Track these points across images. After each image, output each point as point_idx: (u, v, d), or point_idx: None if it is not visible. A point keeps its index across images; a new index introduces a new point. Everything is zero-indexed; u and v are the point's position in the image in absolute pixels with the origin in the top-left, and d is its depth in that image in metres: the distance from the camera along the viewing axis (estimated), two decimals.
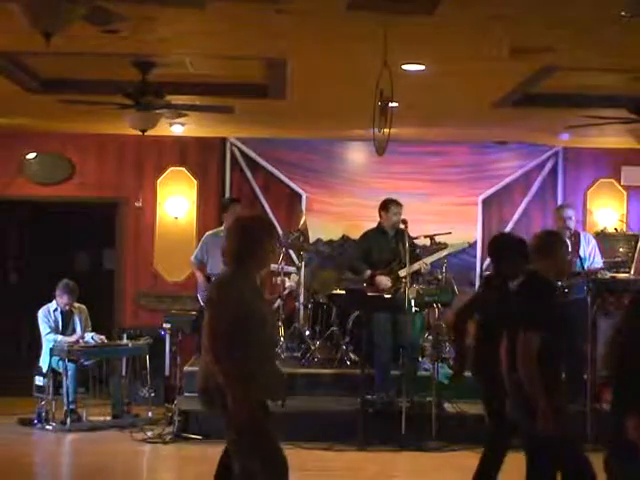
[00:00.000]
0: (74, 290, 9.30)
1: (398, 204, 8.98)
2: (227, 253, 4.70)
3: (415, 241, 9.47)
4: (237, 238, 4.69)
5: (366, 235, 9.16)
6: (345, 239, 11.34)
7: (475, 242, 11.40)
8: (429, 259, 9.11)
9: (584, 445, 5.37)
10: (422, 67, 7.25)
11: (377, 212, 9.05)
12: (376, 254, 8.88)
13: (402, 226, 8.76)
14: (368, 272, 8.79)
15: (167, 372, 9.50)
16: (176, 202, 11.34)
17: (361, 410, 8.31)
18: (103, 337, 9.44)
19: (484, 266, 11.41)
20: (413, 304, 9.03)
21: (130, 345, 9.38)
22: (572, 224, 9.74)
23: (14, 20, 5.11)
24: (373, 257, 8.86)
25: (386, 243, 8.87)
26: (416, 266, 8.82)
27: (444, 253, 9.40)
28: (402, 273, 8.71)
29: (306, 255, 10.52)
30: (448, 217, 11.18)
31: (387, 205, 9.00)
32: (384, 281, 8.77)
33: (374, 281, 8.76)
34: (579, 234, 9.89)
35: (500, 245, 6.18)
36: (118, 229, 11.45)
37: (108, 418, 9.12)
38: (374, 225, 9.31)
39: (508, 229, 11.42)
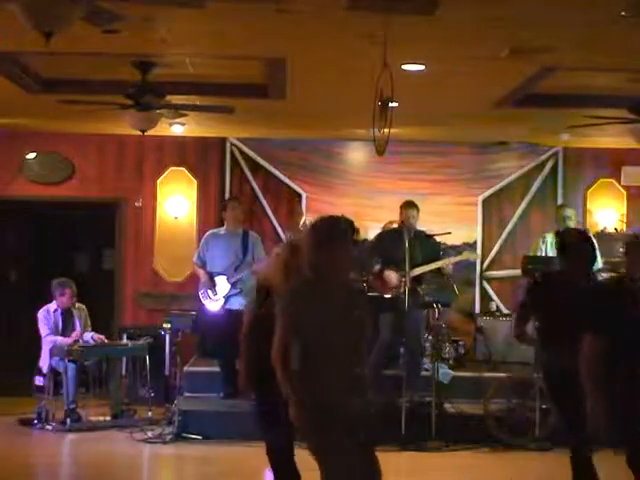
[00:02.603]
0: (71, 285, 9.29)
1: (411, 207, 8.93)
2: (304, 261, 4.58)
3: None
4: (307, 244, 4.56)
5: (382, 235, 9.25)
6: None
7: (475, 242, 11.42)
8: (453, 260, 9.11)
9: None
10: (422, 67, 7.25)
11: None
12: (389, 255, 8.86)
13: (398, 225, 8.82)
14: (378, 267, 8.79)
15: (167, 372, 9.50)
16: (176, 202, 11.33)
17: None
18: (103, 337, 9.44)
19: (484, 266, 11.42)
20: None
21: (130, 345, 9.38)
22: (571, 224, 9.75)
23: (14, 20, 5.10)
24: (387, 257, 8.84)
25: (402, 244, 8.87)
26: (439, 264, 8.85)
27: (462, 258, 9.42)
28: (413, 273, 8.72)
29: None
30: (448, 217, 11.17)
31: (400, 207, 9.03)
32: (393, 278, 8.75)
33: (382, 275, 8.76)
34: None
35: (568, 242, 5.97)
36: (118, 229, 11.45)
37: (108, 418, 9.12)
38: (374, 225, 9.33)
39: (508, 229, 11.44)
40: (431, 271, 8.91)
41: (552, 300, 5.64)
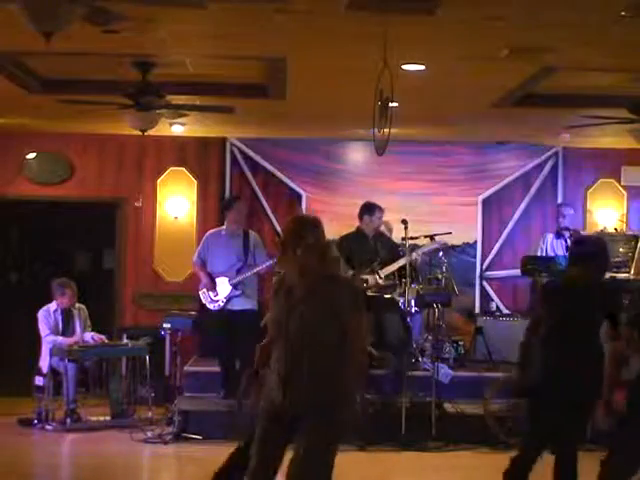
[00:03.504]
0: (71, 285, 9.29)
1: (381, 209, 9.09)
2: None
3: (416, 241, 9.54)
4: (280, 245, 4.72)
5: (346, 239, 9.23)
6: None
7: (475, 242, 11.42)
8: (421, 250, 9.16)
9: None
10: (422, 67, 7.26)
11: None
12: (357, 258, 8.93)
13: (385, 229, 8.84)
14: (349, 273, 8.85)
15: (167, 372, 9.49)
16: (176, 202, 11.33)
17: (361, 410, 8.30)
18: (103, 337, 9.44)
19: (484, 266, 11.42)
20: (413, 304, 9.08)
21: (130, 345, 9.37)
22: (566, 222, 9.75)
23: (14, 20, 5.10)
24: (354, 261, 8.92)
25: (367, 246, 8.90)
26: (403, 261, 8.87)
27: (433, 247, 9.44)
28: (383, 273, 8.77)
29: None
30: (448, 217, 11.18)
31: (372, 209, 9.06)
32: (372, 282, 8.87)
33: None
34: (580, 234, 9.91)
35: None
36: (118, 229, 11.45)
37: (108, 418, 9.12)
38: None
39: (508, 229, 11.44)
40: (401, 268, 8.96)
41: (564, 306, 5.65)
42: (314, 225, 4.60)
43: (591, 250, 5.79)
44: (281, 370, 4.43)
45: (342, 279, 4.80)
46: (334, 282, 4.57)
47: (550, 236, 9.99)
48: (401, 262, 8.92)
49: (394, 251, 9.12)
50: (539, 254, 9.92)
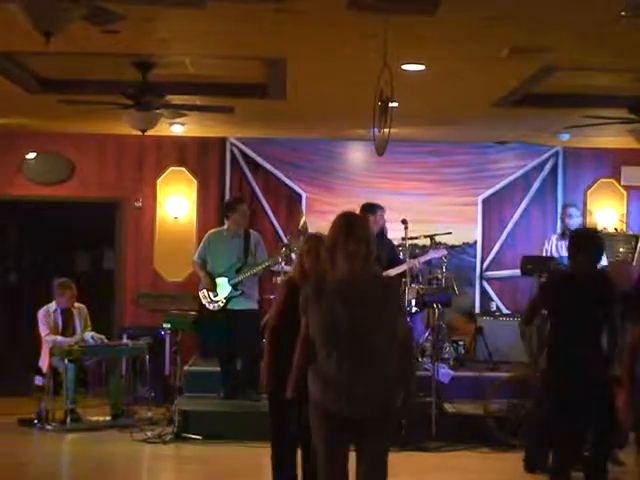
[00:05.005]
0: (71, 285, 9.29)
1: (383, 208, 9.09)
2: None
3: (415, 241, 9.53)
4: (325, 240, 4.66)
5: None
6: None
7: (475, 242, 11.43)
8: (422, 258, 9.16)
9: None
10: (422, 67, 7.26)
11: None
12: None
13: (385, 228, 8.83)
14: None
15: (167, 372, 9.49)
16: (176, 202, 11.34)
17: None
18: (103, 337, 9.44)
19: (484, 266, 11.42)
20: (413, 304, 9.08)
21: (130, 345, 9.37)
22: (572, 223, 9.73)
23: (14, 20, 5.10)
24: None
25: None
26: (404, 267, 8.86)
27: (430, 257, 9.43)
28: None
29: None
30: (448, 217, 11.18)
31: (374, 209, 9.03)
32: None
33: None
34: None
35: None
36: (118, 229, 11.45)
37: (108, 418, 9.11)
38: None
39: (508, 229, 11.44)
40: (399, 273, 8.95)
41: (564, 295, 5.72)
42: (361, 221, 4.57)
43: (577, 242, 5.88)
44: (340, 374, 4.32)
45: (386, 279, 4.75)
46: (381, 282, 4.56)
47: (555, 237, 9.99)
48: (401, 269, 8.92)
49: (394, 254, 9.10)
50: (543, 255, 9.91)
